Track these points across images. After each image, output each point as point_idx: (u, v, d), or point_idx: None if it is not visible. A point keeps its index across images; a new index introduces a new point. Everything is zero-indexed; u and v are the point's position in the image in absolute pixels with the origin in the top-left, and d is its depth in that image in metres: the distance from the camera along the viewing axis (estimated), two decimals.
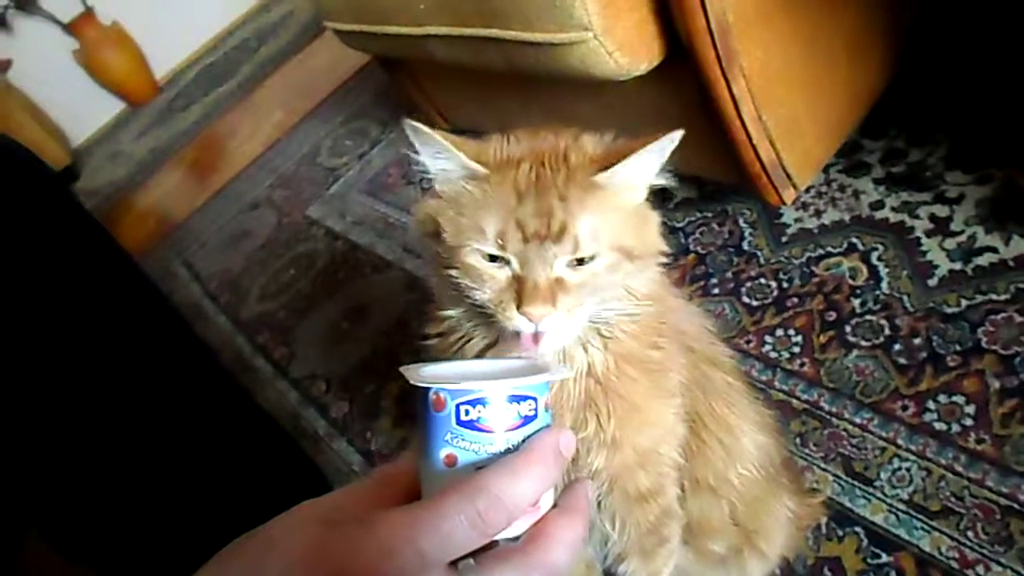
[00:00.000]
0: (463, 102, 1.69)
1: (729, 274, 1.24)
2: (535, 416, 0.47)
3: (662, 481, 0.66)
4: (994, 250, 1.07)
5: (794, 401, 1.05)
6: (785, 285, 1.19)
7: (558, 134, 0.59)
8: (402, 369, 0.49)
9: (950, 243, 1.11)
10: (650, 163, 0.56)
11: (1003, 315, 1.00)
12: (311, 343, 1.67)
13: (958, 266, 1.08)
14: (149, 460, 0.93)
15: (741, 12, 0.98)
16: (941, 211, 1.15)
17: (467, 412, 0.45)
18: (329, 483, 1.13)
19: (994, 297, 1.02)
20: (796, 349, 1.10)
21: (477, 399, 0.45)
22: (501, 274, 0.55)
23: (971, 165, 1.17)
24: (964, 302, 1.04)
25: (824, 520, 0.93)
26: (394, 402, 1.41)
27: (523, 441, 0.47)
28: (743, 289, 1.21)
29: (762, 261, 1.24)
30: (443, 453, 0.45)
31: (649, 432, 0.63)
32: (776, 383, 1.07)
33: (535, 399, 0.47)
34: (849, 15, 1.11)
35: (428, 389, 0.45)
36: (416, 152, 0.56)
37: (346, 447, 1.38)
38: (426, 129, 0.54)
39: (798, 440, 1.01)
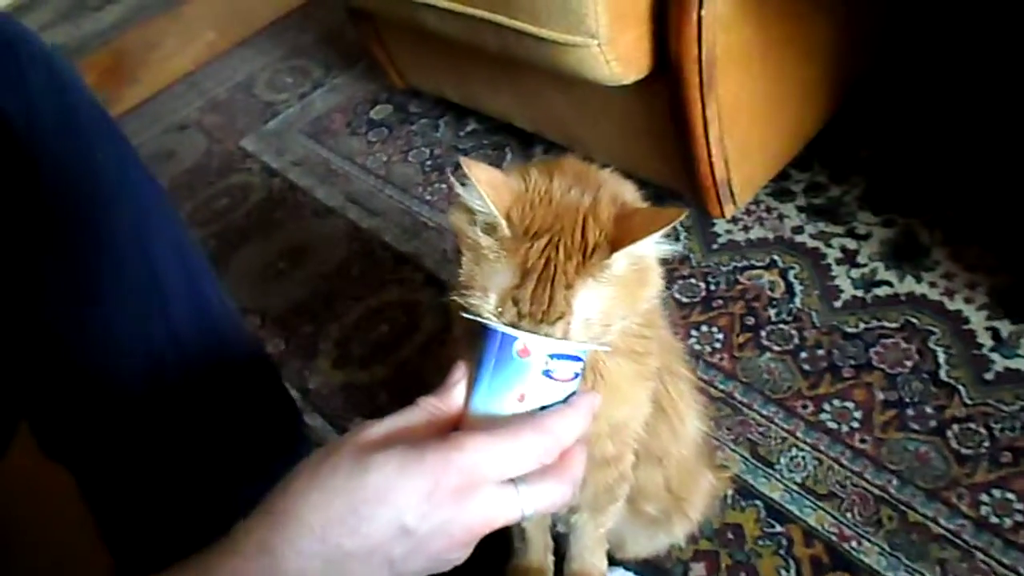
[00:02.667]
0: (429, 66, 1.75)
1: (663, 270, 1.38)
2: (579, 375, 0.59)
3: (624, 450, 0.76)
4: (890, 284, 1.26)
5: (712, 389, 1.21)
6: (712, 287, 1.34)
7: (583, 187, 0.58)
8: (478, 318, 0.58)
9: (855, 272, 1.29)
10: (657, 238, 0.55)
11: (892, 340, 1.19)
12: (244, 276, 1.68)
13: (860, 293, 1.27)
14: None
15: (728, 48, 1.11)
16: (851, 244, 1.33)
17: (547, 363, 0.56)
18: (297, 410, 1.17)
19: (886, 324, 1.21)
20: (717, 345, 1.26)
21: (558, 354, 0.56)
22: (501, 319, 0.57)
23: (880, 208, 1.36)
24: (862, 324, 1.22)
25: (730, 492, 1.09)
26: (334, 345, 1.47)
27: (571, 393, 0.59)
28: (675, 286, 1.36)
29: (694, 263, 1.39)
30: (518, 390, 0.56)
31: (624, 409, 0.72)
32: (699, 372, 1.22)
33: (583, 360, 0.59)
34: (809, 66, 1.28)
35: (514, 338, 0.55)
36: (460, 182, 0.57)
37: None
38: (477, 173, 0.55)
39: (713, 423, 1.16)
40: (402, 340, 1.44)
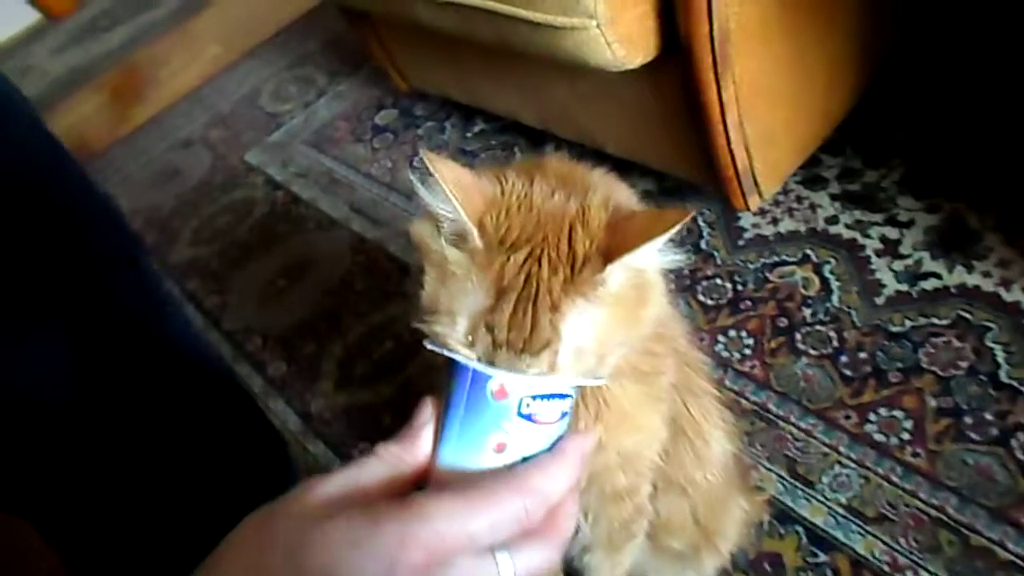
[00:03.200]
0: (430, 66, 1.66)
1: (686, 271, 1.28)
2: (568, 413, 0.49)
3: (639, 482, 0.68)
4: (938, 276, 1.14)
5: (743, 401, 1.09)
6: (740, 288, 1.23)
7: (567, 192, 0.49)
8: (442, 350, 0.49)
9: (898, 265, 1.17)
10: (658, 246, 0.47)
11: (943, 339, 1.07)
12: (246, 295, 1.62)
13: (904, 287, 1.14)
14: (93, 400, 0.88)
15: (743, 22, 1.00)
16: (892, 233, 1.21)
17: (528, 405, 0.46)
18: (285, 444, 1.10)
19: (936, 321, 1.09)
20: (747, 351, 1.15)
21: (540, 394, 0.46)
22: (471, 353, 0.48)
23: (922, 193, 1.24)
24: (908, 323, 1.10)
25: (767, 518, 0.98)
26: (336, 365, 1.39)
27: (559, 437, 0.49)
28: (699, 287, 1.25)
29: (719, 262, 1.27)
30: (494, 440, 0.46)
31: (635, 436, 0.64)
32: (727, 382, 1.12)
33: (572, 397, 0.49)
34: (834, 40, 1.16)
35: (488, 377, 0.45)
36: (422, 182, 0.48)
37: (284, 408, 1.35)
38: (442, 170, 0.46)
39: (746, 439, 1.05)
40: (407, 357, 1.35)
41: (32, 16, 3.27)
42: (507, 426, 0.46)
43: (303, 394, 1.36)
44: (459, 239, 0.48)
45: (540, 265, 0.46)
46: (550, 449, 0.48)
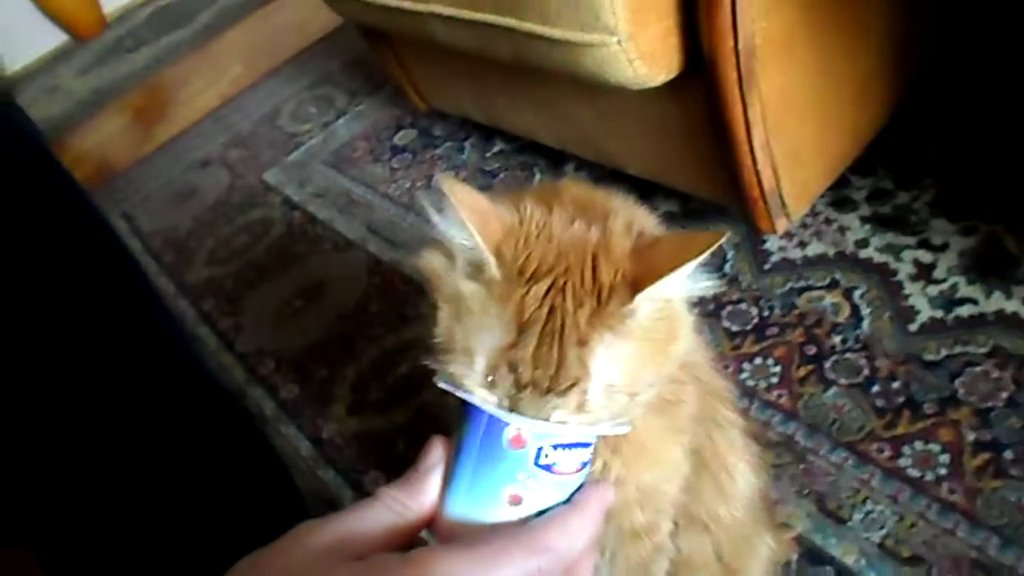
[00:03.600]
0: (447, 85, 1.64)
1: (710, 296, 1.23)
2: (589, 463, 0.45)
3: (658, 519, 0.64)
4: (975, 302, 1.09)
5: (770, 433, 1.05)
6: (766, 313, 1.18)
7: (588, 219, 0.47)
8: (455, 389, 0.45)
9: (932, 290, 1.12)
10: (689, 272, 0.44)
11: (980, 368, 1.02)
12: (260, 317, 1.60)
13: (939, 314, 1.09)
14: (91, 426, 0.86)
15: (769, 37, 0.96)
16: (925, 257, 1.16)
17: (546, 455, 0.42)
18: (290, 474, 1.07)
19: (972, 350, 1.04)
20: (774, 380, 1.10)
21: (560, 443, 0.42)
22: (491, 397, 0.44)
23: (957, 214, 1.19)
24: (943, 351, 1.05)
25: (795, 557, 0.93)
26: (349, 389, 1.36)
27: (577, 488, 0.45)
28: (724, 312, 1.21)
29: (744, 286, 1.23)
30: (509, 492, 0.43)
31: (654, 470, 0.60)
32: (753, 412, 1.07)
33: (592, 445, 0.45)
34: (864, 54, 1.12)
35: (504, 423, 0.42)
36: (437, 209, 0.45)
37: (295, 433, 1.32)
38: (459, 195, 0.43)
39: (773, 472, 1.00)
40: (422, 382, 1.31)
41: (60, 37, 3.31)
42: (523, 477, 0.43)
43: (315, 419, 1.33)
44: (475, 270, 0.44)
45: (564, 297, 0.43)
46: (568, 500, 0.45)
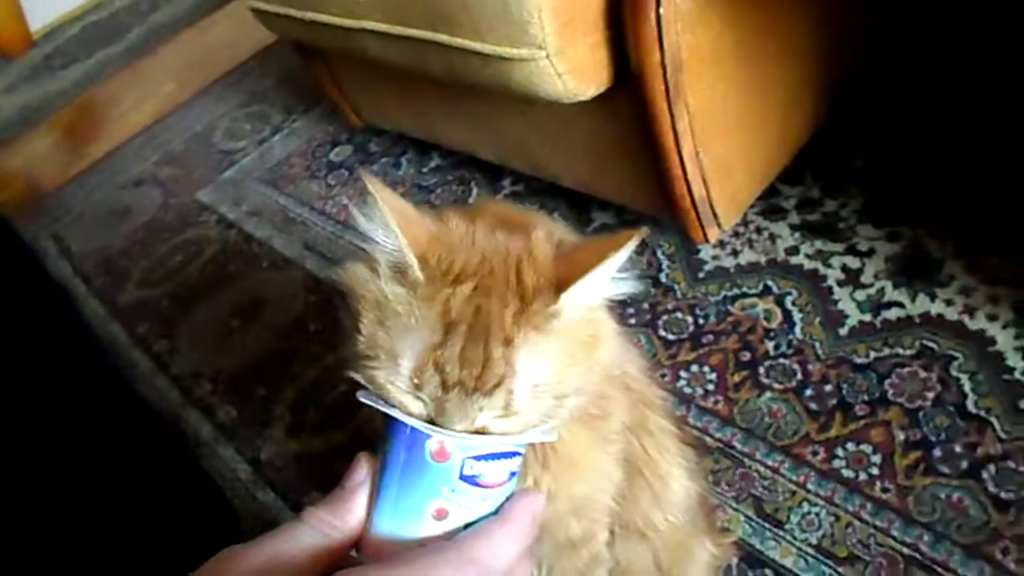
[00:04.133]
0: (383, 101, 1.63)
1: (646, 305, 1.25)
2: (517, 472, 0.45)
3: (593, 528, 0.64)
4: (901, 305, 1.12)
5: (707, 438, 1.06)
6: (701, 321, 1.20)
7: (510, 229, 0.48)
8: (375, 403, 0.45)
9: (860, 294, 1.15)
10: (611, 272, 0.45)
11: (908, 369, 1.05)
12: (196, 338, 1.56)
13: (867, 318, 1.12)
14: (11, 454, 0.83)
15: (695, 49, 0.98)
16: (853, 262, 1.19)
17: (471, 467, 0.41)
18: (222, 491, 1.04)
19: (900, 351, 1.07)
20: (710, 386, 1.11)
21: (486, 455, 0.41)
22: (414, 406, 0.44)
23: (882, 220, 1.22)
24: (872, 353, 1.08)
25: (735, 561, 0.94)
26: (288, 409, 1.33)
27: (505, 500, 0.45)
28: (660, 322, 1.22)
29: (679, 295, 1.24)
30: (434, 506, 0.42)
31: (585, 481, 0.60)
32: (690, 419, 1.08)
33: (521, 455, 0.45)
34: (790, 66, 1.14)
35: (426, 436, 0.41)
36: (362, 211, 0.46)
37: (233, 455, 1.29)
38: (384, 196, 0.44)
39: (711, 478, 1.02)
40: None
41: None
42: (447, 491, 0.42)
43: (254, 440, 1.30)
44: (399, 274, 0.44)
45: (489, 298, 0.43)
46: (497, 512, 0.44)
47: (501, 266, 0.45)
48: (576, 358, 0.46)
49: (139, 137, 2.33)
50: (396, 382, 0.44)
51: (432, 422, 0.43)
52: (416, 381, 0.43)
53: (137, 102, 2.53)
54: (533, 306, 0.43)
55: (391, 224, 0.43)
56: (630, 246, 0.44)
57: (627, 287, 0.47)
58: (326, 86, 1.75)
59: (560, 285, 0.44)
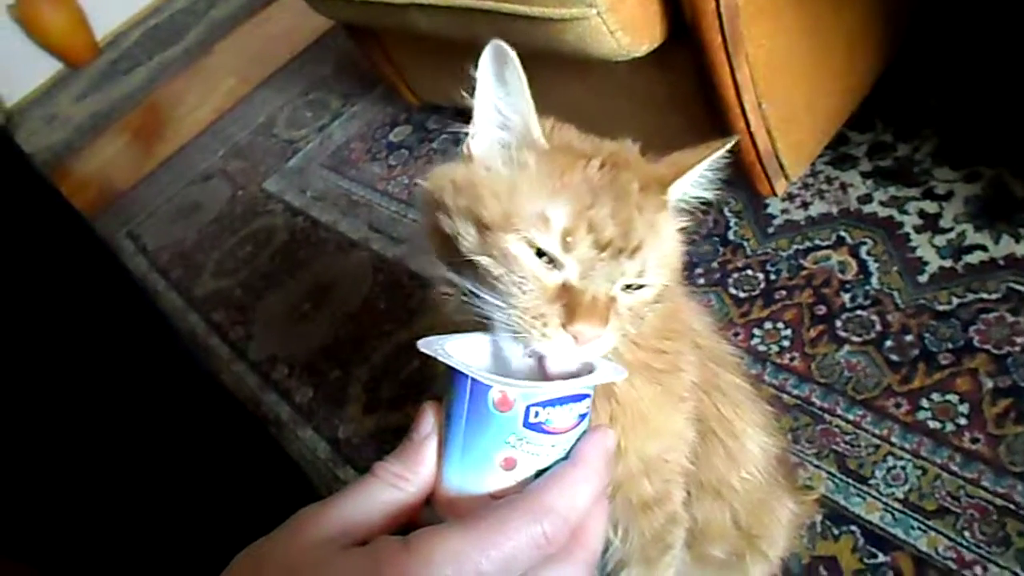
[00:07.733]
0: (438, 76, 1.63)
1: (715, 264, 1.22)
2: (587, 414, 0.44)
3: (668, 488, 0.63)
4: (984, 248, 1.07)
5: (785, 396, 1.03)
6: (773, 277, 1.17)
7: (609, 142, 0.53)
8: (436, 353, 0.44)
9: (940, 240, 1.10)
10: (699, 177, 0.52)
11: (994, 314, 1.00)
12: (270, 324, 1.60)
13: (948, 263, 1.07)
14: (98, 443, 0.86)
15: None
16: (930, 207, 1.14)
17: (536, 414, 0.40)
18: (303, 472, 1.07)
19: (984, 296, 1.02)
20: (786, 343, 1.09)
21: (550, 400, 0.41)
22: (550, 279, 0.45)
23: (959, 162, 1.17)
24: (955, 300, 1.03)
25: (819, 518, 0.92)
26: (363, 389, 1.35)
27: (576, 442, 0.43)
28: (730, 280, 1.19)
29: (748, 252, 1.22)
30: (501, 456, 0.41)
31: (656, 440, 0.59)
32: (766, 377, 1.06)
33: (590, 396, 0.44)
34: (850, 10, 1.10)
35: (487, 386, 0.40)
36: (472, 90, 0.49)
37: (312, 435, 1.32)
38: (515, 60, 0.47)
39: (790, 436, 0.99)
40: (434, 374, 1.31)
41: (55, 66, 3.33)
42: (514, 440, 0.41)
43: (331, 420, 1.33)
44: (528, 148, 0.48)
45: (619, 169, 0.47)
46: (568, 456, 0.43)
47: (614, 155, 0.49)
48: (676, 246, 0.51)
49: (205, 133, 2.40)
50: (540, 241, 0.45)
51: (571, 307, 0.44)
52: (569, 239, 0.45)
53: (200, 99, 2.59)
54: (651, 187, 0.48)
55: (524, 88, 0.47)
56: (725, 147, 0.50)
57: (707, 194, 0.53)
58: (381, 66, 1.76)
59: (664, 181, 0.49)
